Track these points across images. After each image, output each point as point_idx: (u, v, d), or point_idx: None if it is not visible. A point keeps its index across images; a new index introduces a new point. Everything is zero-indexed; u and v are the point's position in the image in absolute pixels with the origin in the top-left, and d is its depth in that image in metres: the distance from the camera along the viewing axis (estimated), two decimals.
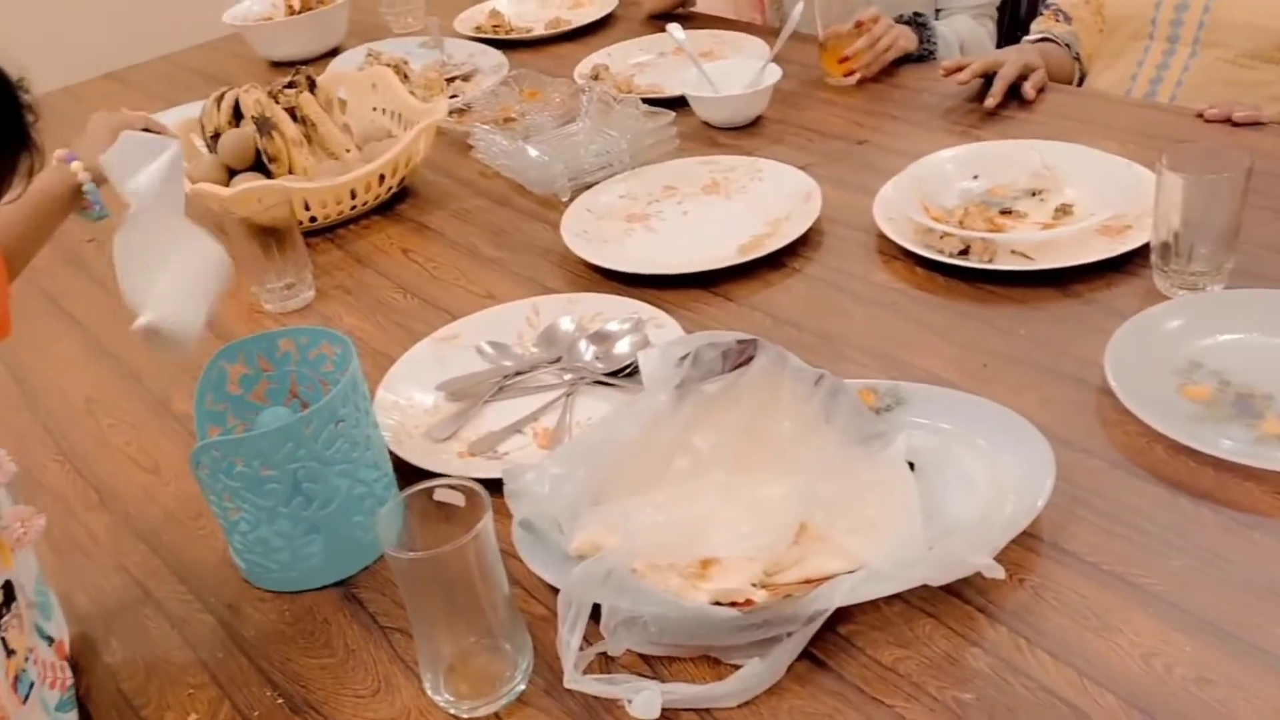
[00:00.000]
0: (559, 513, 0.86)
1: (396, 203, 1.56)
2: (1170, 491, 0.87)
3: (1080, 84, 1.69)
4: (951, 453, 0.88)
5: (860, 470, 0.86)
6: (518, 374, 1.12)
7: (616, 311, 1.18)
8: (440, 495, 0.78)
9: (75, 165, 1.03)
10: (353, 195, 1.49)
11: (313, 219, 1.48)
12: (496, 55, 1.99)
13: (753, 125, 1.61)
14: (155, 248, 0.97)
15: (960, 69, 1.54)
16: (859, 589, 0.78)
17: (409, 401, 1.11)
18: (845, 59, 1.66)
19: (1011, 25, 2.06)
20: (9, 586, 0.77)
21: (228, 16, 2.25)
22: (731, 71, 1.66)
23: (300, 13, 2.21)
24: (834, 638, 0.79)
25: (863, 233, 1.29)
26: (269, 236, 1.31)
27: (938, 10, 1.84)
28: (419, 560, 0.74)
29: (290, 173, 1.53)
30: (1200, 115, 1.39)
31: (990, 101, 1.50)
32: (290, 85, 1.59)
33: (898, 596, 0.80)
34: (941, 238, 1.20)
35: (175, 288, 0.93)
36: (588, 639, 0.79)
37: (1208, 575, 0.79)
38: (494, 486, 0.84)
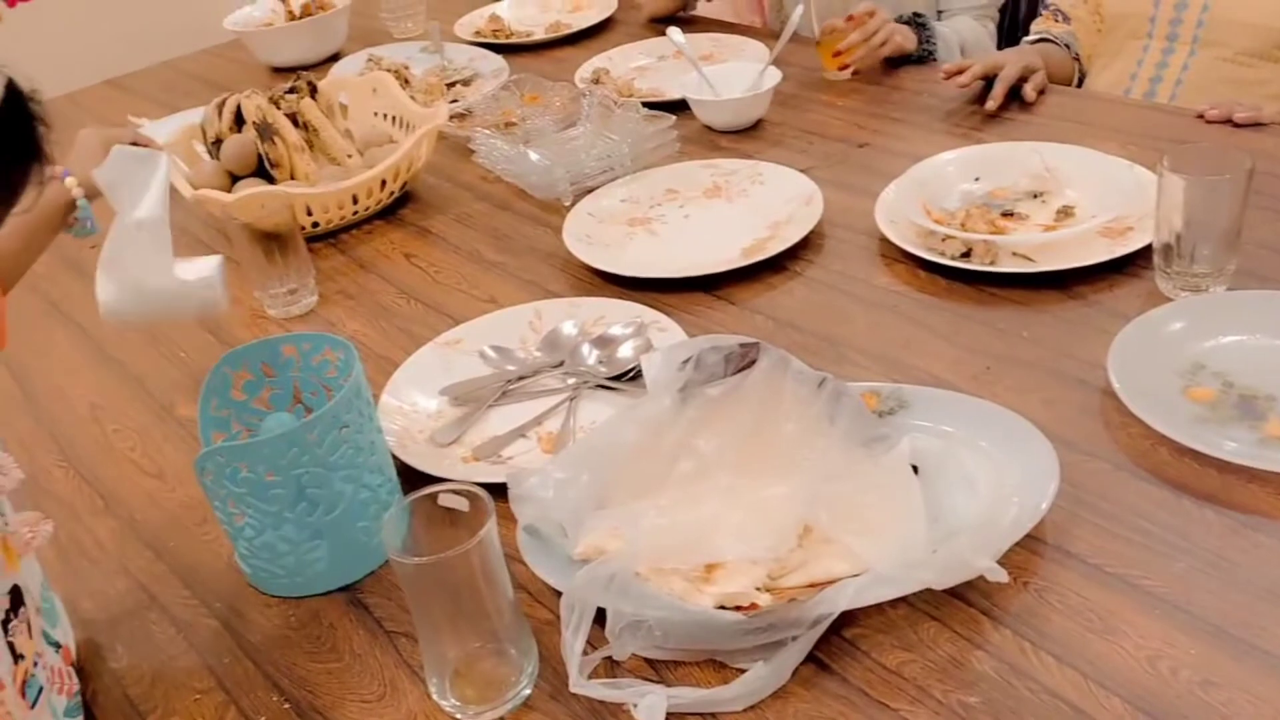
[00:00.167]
0: (563, 517, 0.87)
1: (398, 208, 1.57)
2: (1174, 493, 0.87)
3: (1080, 84, 1.69)
4: (954, 455, 0.88)
5: (863, 473, 0.86)
6: (521, 378, 1.13)
7: (619, 315, 1.18)
8: (444, 500, 0.78)
9: (69, 180, 1.04)
10: (355, 200, 1.49)
11: (315, 224, 1.48)
12: (497, 60, 1.99)
13: (753, 128, 1.61)
14: (140, 259, 1.00)
15: (961, 72, 1.54)
16: (863, 592, 0.78)
17: (412, 406, 1.11)
18: (839, 53, 1.66)
19: (1011, 26, 2.06)
20: (16, 591, 0.77)
21: (229, 22, 2.26)
22: (732, 75, 1.67)
23: (301, 18, 2.21)
24: (839, 641, 0.79)
25: (864, 235, 1.29)
26: (271, 242, 1.31)
27: (939, 12, 1.84)
28: (424, 565, 0.74)
29: (292, 178, 1.53)
30: (1201, 116, 1.39)
31: (991, 104, 1.50)
32: (291, 91, 1.59)
33: (902, 599, 0.80)
34: (943, 240, 1.20)
35: (137, 273, 0.95)
36: (592, 643, 0.79)
37: (1212, 577, 0.79)
38: (498, 491, 0.84)
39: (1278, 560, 0.80)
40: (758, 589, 0.80)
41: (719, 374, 0.89)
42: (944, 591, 0.80)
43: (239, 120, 1.56)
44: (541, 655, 0.81)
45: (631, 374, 1.08)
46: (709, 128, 1.62)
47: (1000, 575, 0.78)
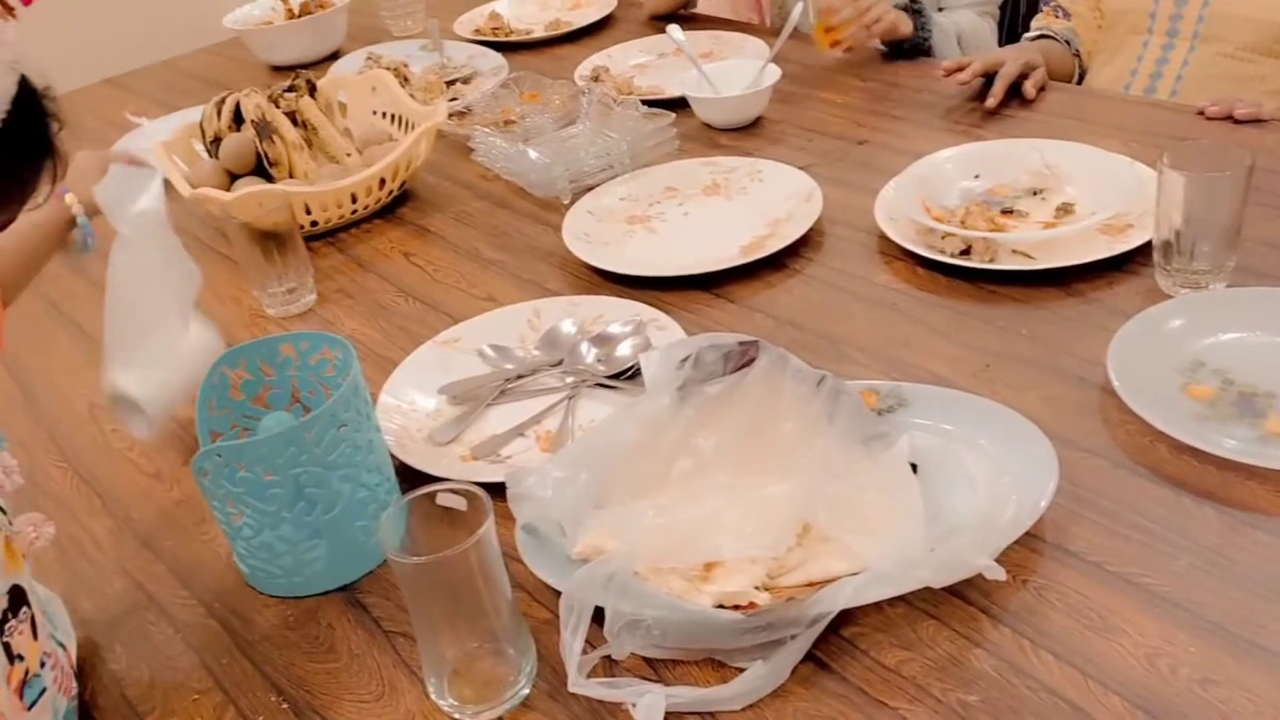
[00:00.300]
0: (561, 516, 0.86)
1: (397, 206, 1.56)
2: (1174, 491, 0.87)
3: (1080, 81, 1.69)
4: (953, 453, 0.88)
5: (862, 471, 0.86)
6: (519, 377, 1.12)
7: (618, 314, 1.18)
8: (442, 499, 0.78)
9: (69, 198, 1.06)
10: (353, 199, 1.49)
11: (314, 223, 1.48)
12: (496, 58, 1.99)
13: (753, 126, 1.61)
14: (148, 291, 1.03)
15: (961, 69, 1.53)
16: (862, 591, 0.78)
17: (411, 405, 1.11)
18: (831, 29, 1.65)
19: (1011, 23, 2.06)
20: (18, 592, 0.77)
21: (228, 20, 2.25)
22: (731, 72, 1.66)
23: (300, 16, 2.21)
24: (837, 640, 0.79)
25: (864, 233, 1.29)
26: (270, 241, 1.31)
27: (940, 9, 1.84)
28: (422, 565, 0.74)
29: (291, 177, 1.53)
30: (1201, 113, 1.39)
31: (991, 101, 1.50)
32: (290, 89, 1.59)
33: (900, 598, 0.80)
34: (943, 238, 1.20)
35: (163, 365, 0.97)
36: (591, 642, 0.79)
37: (1211, 575, 0.79)
38: (497, 490, 0.84)
39: (1277, 557, 0.80)
40: (756, 588, 0.80)
41: (718, 372, 0.89)
42: (943, 590, 0.80)
43: (238, 119, 1.56)
44: (540, 654, 0.81)
45: (630, 372, 1.08)
46: (708, 125, 1.62)
47: (999, 573, 0.77)
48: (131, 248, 1.02)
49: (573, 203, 1.44)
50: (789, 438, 0.87)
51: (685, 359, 0.88)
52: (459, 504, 0.78)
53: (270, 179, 1.52)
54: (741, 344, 0.89)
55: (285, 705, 0.83)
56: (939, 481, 0.86)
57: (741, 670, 0.76)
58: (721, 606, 0.79)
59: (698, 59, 1.69)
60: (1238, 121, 1.36)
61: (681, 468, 0.87)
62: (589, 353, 1.13)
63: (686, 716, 0.75)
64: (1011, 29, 2.04)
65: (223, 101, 1.58)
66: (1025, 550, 0.82)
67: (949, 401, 0.95)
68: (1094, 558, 0.82)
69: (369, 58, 2.03)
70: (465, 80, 1.94)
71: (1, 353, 0.73)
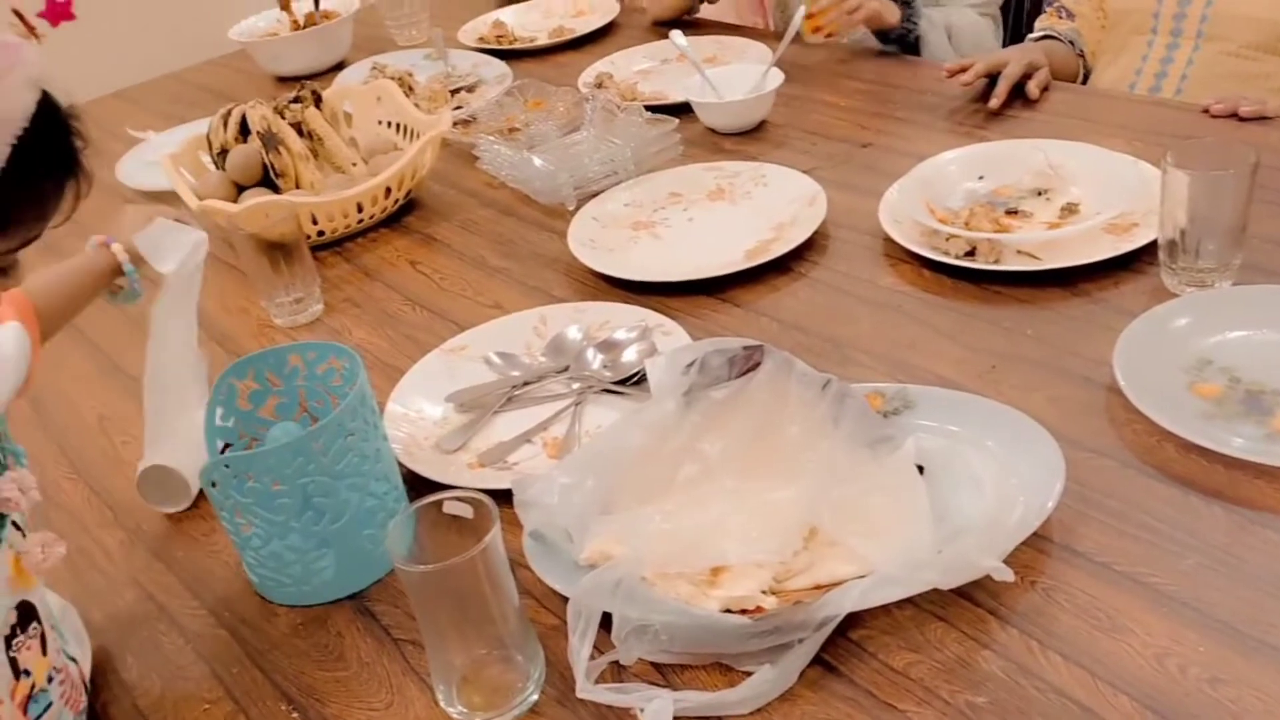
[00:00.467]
0: (568, 522, 0.87)
1: (403, 215, 1.57)
2: (1181, 490, 0.86)
3: (1085, 81, 1.69)
4: (960, 455, 0.88)
5: (868, 474, 0.86)
6: (526, 384, 1.13)
7: (623, 320, 1.18)
8: (449, 507, 0.79)
9: (116, 247, 1.09)
10: (360, 209, 1.49)
11: (320, 233, 1.49)
12: (500, 66, 1.99)
13: (757, 130, 1.61)
14: (184, 360, 1.07)
15: (963, 70, 1.53)
16: (869, 594, 0.78)
17: (418, 413, 1.11)
18: (812, 14, 1.65)
19: (1015, 23, 2.06)
20: (26, 607, 0.77)
21: (234, 33, 2.27)
22: (735, 77, 1.67)
23: (305, 28, 2.22)
24: (845, 643, 0.79)
25: (868, 236, 1.29)
26: (277, 251, 1.31)
27: (939, 4, 1.83)
28: (429, 572, 0.74)
29: (297, 187, 1.54)
30: (1206, 111, 1.39)
31: (994, 102, 1.50)
32: (296, 100, 1.60)
33: (908, 600, 0.80)
34: (947, 239, 1.20)
35: (200, 447, 0.98)
36: (599, 648, 0.79)
37: (1220, 574, 0.79)
38: (504, 497, 0.84)
39: None
40: (763, 592, 0.80)
41: (723, 377, 0.89)
42: (950, 592, 0.80)
43: (244, 130, 1.56)
44: (548, 661, 0.81)
45: (636, 378, 1.08)
46: (712, 130, 1.63)
47: (1006, 575, 0.77)
48: (169, 295, 1.06)
49: (577, 209, 1.44)
50: (794, 442, 0.87)
51: (690, 364, 0.89)
52: (466, 512, 0.78)
53: (277, 190, 1.53)
54: (746, 348, 0.89)
55: (295, 714, 0.83)
56: (945, 483, 0.86)
57: (749, 674, 0.76)
58: (729, 611, 0.79)
59: (701, 64, 1.69)
60: (1242, 119, 1.35)
61: (687, 473, 0.88)
62: (595, 359, 1.13)
63: None
64: (1015, 30, 2.04)
65: (229, 113, 1.58)
66: (1033, 551, 0.82)
67: (955, 403, 0.95)
68: (1102, 558, 0.82)
69: (374, 67, 2.04)
70: (470, 89, 1.94)
71: (32, 388, 0.74)
